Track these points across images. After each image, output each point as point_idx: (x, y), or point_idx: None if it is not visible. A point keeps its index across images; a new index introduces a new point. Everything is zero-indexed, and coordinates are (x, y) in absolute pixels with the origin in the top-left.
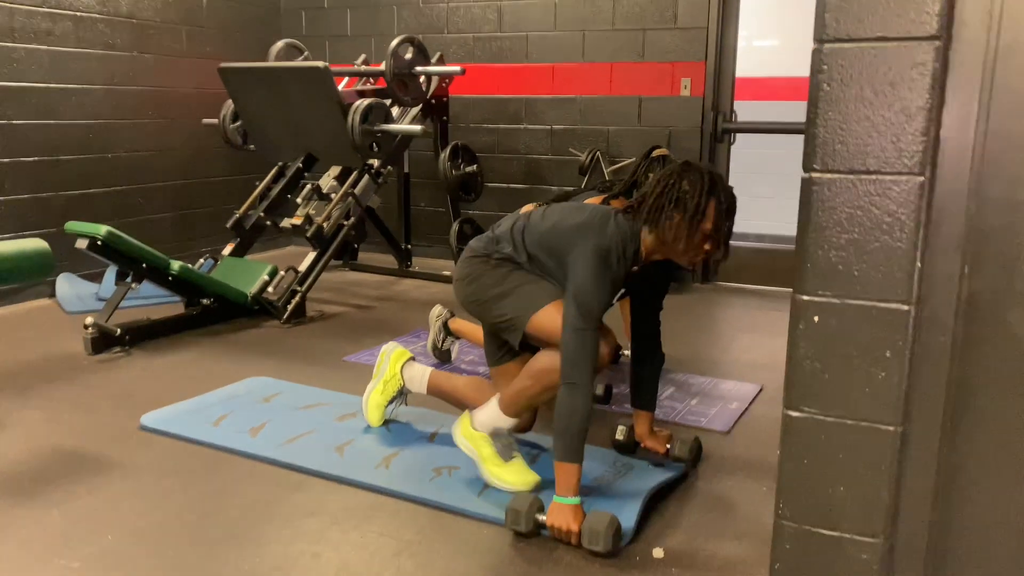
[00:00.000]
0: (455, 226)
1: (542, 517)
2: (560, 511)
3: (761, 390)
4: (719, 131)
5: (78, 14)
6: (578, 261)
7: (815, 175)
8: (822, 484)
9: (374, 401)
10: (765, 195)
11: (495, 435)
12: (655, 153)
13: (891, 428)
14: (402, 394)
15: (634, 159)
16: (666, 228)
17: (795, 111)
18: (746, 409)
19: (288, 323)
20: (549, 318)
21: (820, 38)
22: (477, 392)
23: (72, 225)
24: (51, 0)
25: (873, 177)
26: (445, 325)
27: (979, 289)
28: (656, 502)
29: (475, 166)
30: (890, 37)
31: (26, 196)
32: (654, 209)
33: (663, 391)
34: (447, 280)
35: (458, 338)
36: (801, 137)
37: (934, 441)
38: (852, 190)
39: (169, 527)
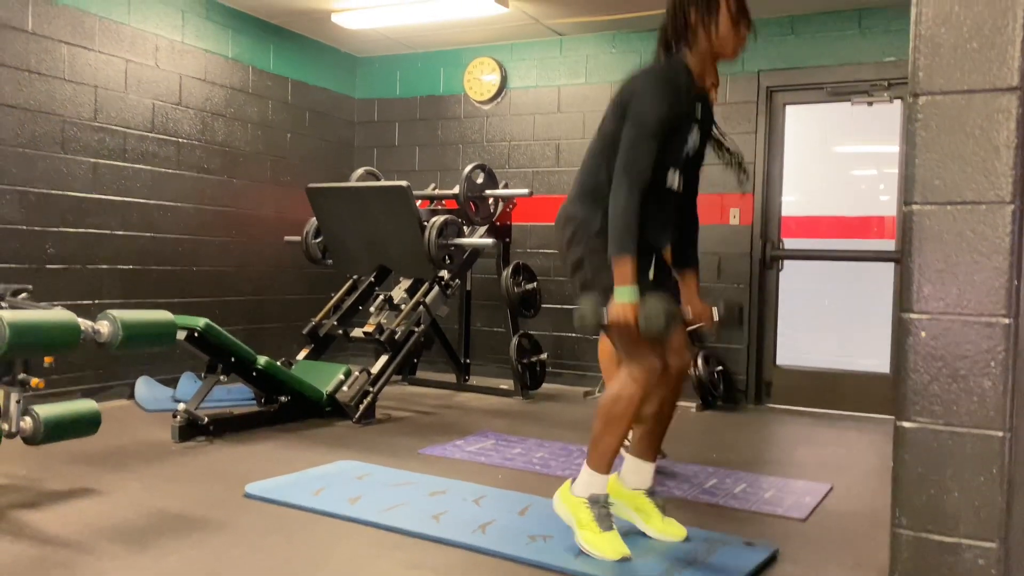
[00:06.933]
0: (515, 340)
1: None
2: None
3: (831, 489)
4: (767, 258)
5: (180, 140)
6: (636, 91)
7: (915, 207)
8: (937, 491)
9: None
10: (813, 327)
11: (592, 501)
12: None
13: (999, 434)
14: (652, 495)
15: None
16: (701, 35)
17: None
18: (819, 503)
19: (359, 422)
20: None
21: (913, 92)
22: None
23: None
24: (159, 127)
25: (969, 207)
26: None
27: None
28: None
29: (534, 284)
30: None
31: (118, 300)
32: (680, 28)
33: (736, 485)
34: (505, 393)
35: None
36: (847, 265)
37: None
38: (949, 219)
39: (281, 571)
